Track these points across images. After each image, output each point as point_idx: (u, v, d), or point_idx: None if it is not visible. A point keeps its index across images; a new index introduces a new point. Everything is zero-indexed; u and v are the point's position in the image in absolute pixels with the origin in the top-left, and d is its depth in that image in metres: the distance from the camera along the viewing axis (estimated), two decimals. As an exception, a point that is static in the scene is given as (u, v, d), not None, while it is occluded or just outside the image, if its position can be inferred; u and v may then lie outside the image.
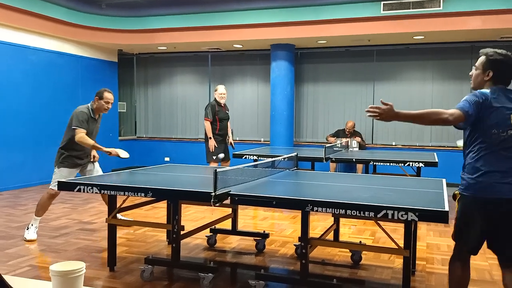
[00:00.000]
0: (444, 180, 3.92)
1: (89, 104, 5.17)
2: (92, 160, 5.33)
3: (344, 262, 4.31)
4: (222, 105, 7.17)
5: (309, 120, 10.13)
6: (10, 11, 7.69)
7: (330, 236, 4.26)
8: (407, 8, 7.66)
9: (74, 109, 5.18)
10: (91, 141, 4.94)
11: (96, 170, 5.35)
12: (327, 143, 8.89)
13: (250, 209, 6.61)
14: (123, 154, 5.04)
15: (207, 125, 7.01)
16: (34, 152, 8.35)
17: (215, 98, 7.18)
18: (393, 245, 3.27)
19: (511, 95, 2.74)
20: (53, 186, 4.89)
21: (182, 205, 3.90)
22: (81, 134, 4.91)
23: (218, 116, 7.07)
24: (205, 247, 4.77)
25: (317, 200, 2.98)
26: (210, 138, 6.96)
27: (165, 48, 10.27)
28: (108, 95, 5.23)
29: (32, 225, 5.00)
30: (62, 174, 5.03)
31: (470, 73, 2.92)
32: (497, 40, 8.56)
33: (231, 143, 7.29)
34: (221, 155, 7.03)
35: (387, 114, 2.66)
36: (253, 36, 8.81)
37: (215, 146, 6.97)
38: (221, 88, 7.19)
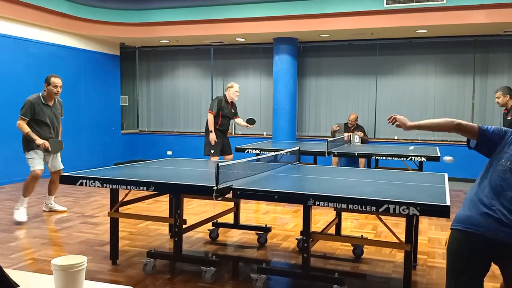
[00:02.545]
0: (446, 175, 3.92)
1: (40, 93, 5.63)
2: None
3: (345, 256, 4.32)
4: (230, 102, 7.12)
5: (312, 114, 10.12)
6: (12, 4, 7.68)
7: (332, 230, 4.27)
8: (410, 1, 7.62)
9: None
10: (26, 129, 5.42)
11: (58, 162, 5.82)
12: (329, 137, 8.88)
13: (252, 203, 6.62)
14: (50, 147, 5.53)
15: (210, 117, 6.96)
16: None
17: (224, 94, 7.14)
18: (395, 239, 3.27)
19: None
20: (32, 168, 5.43)
21: (184, 199, 3.90)
22: (19, 122, 5.46)
23: (223, 112, 7.04)
24: (207, 241, 4.78)
25: (319, 194, 2.98)
26: (211, 131, 6.94)
27: (168, 41, 10.25)
28: (55, 80, 5.65)
29: (21, 205, 5.38)
30: (32, 155, 5.50)
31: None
32: (500, 34, 8.53)
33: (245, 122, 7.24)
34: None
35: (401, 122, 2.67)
36: (256, 30, 8.78)
37: (214, 140, 6.95)
38: (236, 86, 7.12)
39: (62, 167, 5.85)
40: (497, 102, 6.24)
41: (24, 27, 8.19)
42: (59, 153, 5.90)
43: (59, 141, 5.76)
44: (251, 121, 7.22)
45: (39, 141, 5.42)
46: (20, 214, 5.33)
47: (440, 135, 9.21)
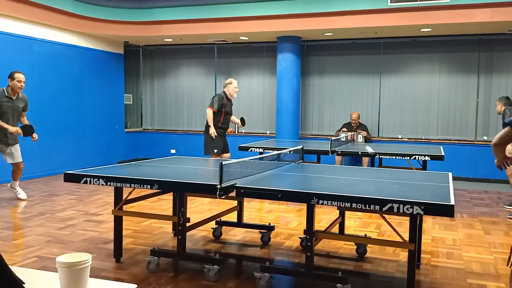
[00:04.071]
0: (450, 174, 3.91)
1: (4, 88, 6.11)
2: (33, 139, 6.24)
3: (349, 255, 4.31)
4: (230, 99, 7.09)
5: (315, 113, 10.11)
6: (17, 3, 7.70)
7: (335, 229, 4.27)
8: (414, 0, 7.60)
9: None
10: None
11: (18, 156, 6.25)
12: (333, 136, 8.87)
13: (255, 201, 6.63)
14: (23, 132, 6.07)
15: (210, 112, 6.87)
16: (41, 143, 8.37)
17: (224, 91, 7.10)
18: (398, 239, 3.27)
19: None
20: None
21: (188, 197, 3.91)
22: None
23: (225, 109, 7.00)
24: (210, 239, 4.79)
25: (322, 193, 2.97)
26: (210, 126, 6.85)
27: (171, 40, 10.26)
28: (19, 75, 6.12)
29: None
30: None
31: None
32: (504, 33, 8.50)
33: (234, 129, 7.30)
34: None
35: None
36: (260, 28, 8.78)
37: (215, 137, 6.85)
38: (235, 82, 7.06)
39: (21, 160, 6.30)
40: (497, 110, 6.81)
41: (29, 26, 8.21)
42: (19, 147, 6.31)
43: (29, 126, 6.17)
44: (243, 121, 7.24)
45: (12, 129, 5.97)
46: None
47: (443, 134, 9.19)
